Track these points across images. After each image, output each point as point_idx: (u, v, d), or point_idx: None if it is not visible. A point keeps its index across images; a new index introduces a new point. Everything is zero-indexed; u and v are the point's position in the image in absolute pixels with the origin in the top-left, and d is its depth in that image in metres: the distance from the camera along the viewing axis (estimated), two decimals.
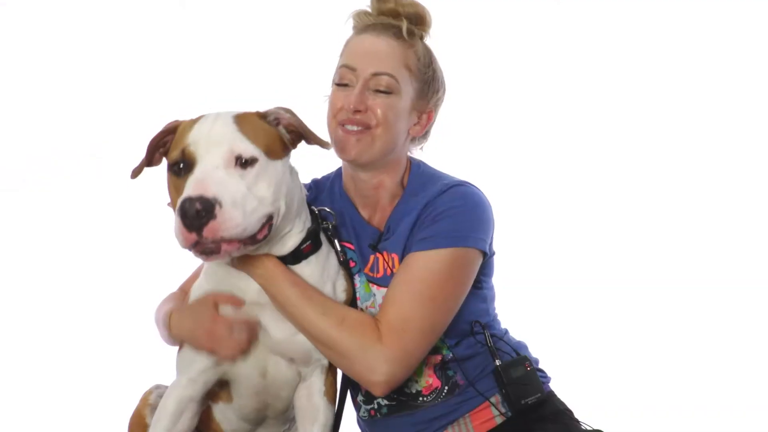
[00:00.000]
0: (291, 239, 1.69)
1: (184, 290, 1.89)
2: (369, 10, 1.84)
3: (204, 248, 1.48)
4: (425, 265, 1.69)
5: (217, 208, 1.46)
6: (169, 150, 1.60)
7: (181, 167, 1.54)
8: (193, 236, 1.46)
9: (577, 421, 1.85)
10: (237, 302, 1.69)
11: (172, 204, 1.57)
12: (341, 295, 1.77)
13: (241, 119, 1.59)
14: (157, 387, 1.93)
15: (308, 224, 1.72)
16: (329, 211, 1.81)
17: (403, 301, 1.67)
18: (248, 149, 1.55)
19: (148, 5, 3.63)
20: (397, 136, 1.80)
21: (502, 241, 1.89)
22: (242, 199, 1.50)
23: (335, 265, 1.78)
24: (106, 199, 3.54)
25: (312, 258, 1.72)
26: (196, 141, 1.55)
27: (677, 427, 2.99)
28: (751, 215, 3.70)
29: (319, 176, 2.02)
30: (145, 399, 1.91)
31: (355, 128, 1.76)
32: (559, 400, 1.89)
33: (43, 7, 3.59)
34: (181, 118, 1.65)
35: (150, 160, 1.64)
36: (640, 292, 3.59)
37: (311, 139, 1.65)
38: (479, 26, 3.69)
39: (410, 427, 1.83)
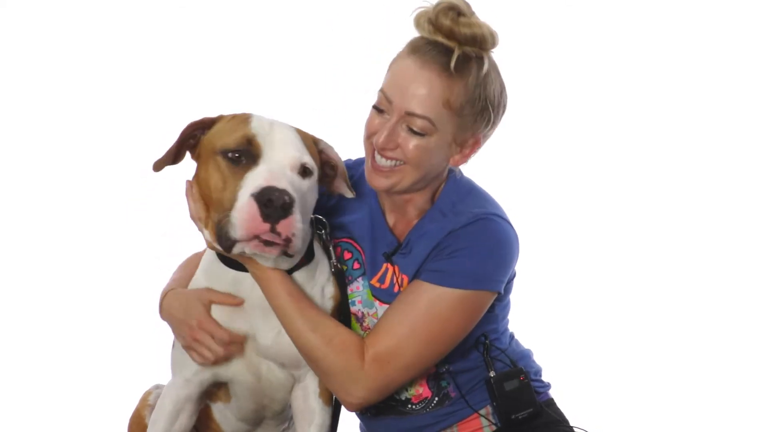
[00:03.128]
0: (295, 260, 1.68)
1: (187, 267, 1.86)
2: (431, 15, 1.65)
3: (266, 241, 1.47)
4: (431, 301, 1.64)
5: (294, 206, 1.48)
6: (215, 138, 1.57)
7: (240, 156, 1.53)
8: (267, 227, 1.46)
9: (571, 429, 1.82)
10: (234, 302, 1.68)
11: (211, 191, 1.54)
12: (328, 302, 1.75)
13: (299, 132, 1.63)
14: (157, 387, 1.94)
15: (308, 240, 1.71)
16: (323, 219, 1.79)
17: (397, 334, 1.63)
18: (310, 161, 1.58)
19: (148, 5, 3.63)
20: (429, 171, 1.71)
21: None
22: (302, 206, 1.52)
23: (326, 272, 1.76)
24: (107, 200, 3.54)
25: (303, 268, 1.71)
26: (262, 134, 1.55)
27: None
28: (753, 217, 3.68)
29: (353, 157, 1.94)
30: (144, 399, 1.92)
31: (385, 162, 1.67)
32: (556, 410, 1.86)
33: (43, 7, 3.58)
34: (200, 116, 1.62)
35: (177, 153, 1.61)
36: (647, 300, 3.57)
37: (345, 184, 1.70)
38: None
39: (398, 431, 1.83)
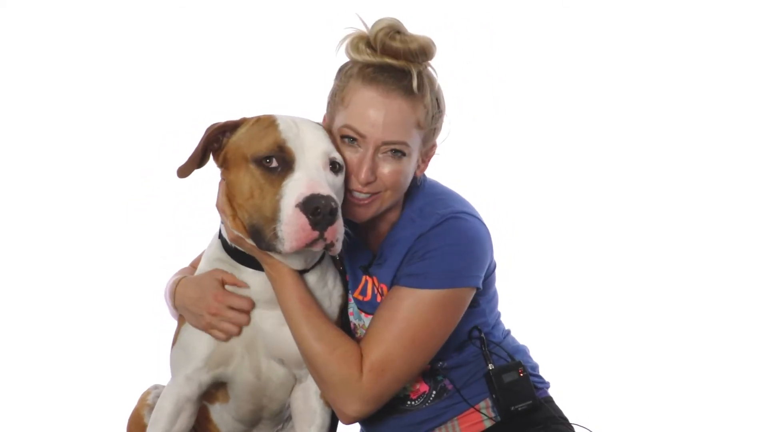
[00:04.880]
0: (315, 257, 1.69)
1: (194, 266, 1.89)
2: (368, 36, 1.66)
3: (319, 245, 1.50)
4: (412, 305, 1.65)
5: (339, 210, 1.51)
6: (243, 143, 1.57)
7: (274, 162, 1.53)
8: (316, 234, 1.48)
9: (571, 428, 1.83)
10: (241, 283, 1.69)
11: (245, 197, 1.55)
12: (337, 300, 1.78)
13: (322, 127, 1.65)
14: (156, 387, 1.95)
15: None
16: None
17: (385, 341, 1.65)
18: (340, 157, 1.61)
19: (148, 5, 3.63)
20: (404, 190, 1.73)
21: (507, 245, 1.84)
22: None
23: (334, 271, 1.78)
24: (106, 200, 3.54)
25: (316, 267, 1.72)
26: (291, 137, 1.55)
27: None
28: (754, 219, 3.68)
29: None
30: (143, 399, 1.92)
31: (363, 195, 1.67)
32: (555, 407, 1.86)
33: (43, 7, 3.58)
34: (219, 120, 1.61)
35: (202, 158, 1.61)
36: (646, 297, 3.56)
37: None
38: (484, 29, 3.69)
39: (399, 429, 1.84)
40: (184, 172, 1.61)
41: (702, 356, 3.33)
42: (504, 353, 1.82)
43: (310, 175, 1.52)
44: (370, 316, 1.75)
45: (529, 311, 2.77)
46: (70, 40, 3.58)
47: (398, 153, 1.65)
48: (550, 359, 2.06)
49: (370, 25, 1.67)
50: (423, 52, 1.65)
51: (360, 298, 1.79)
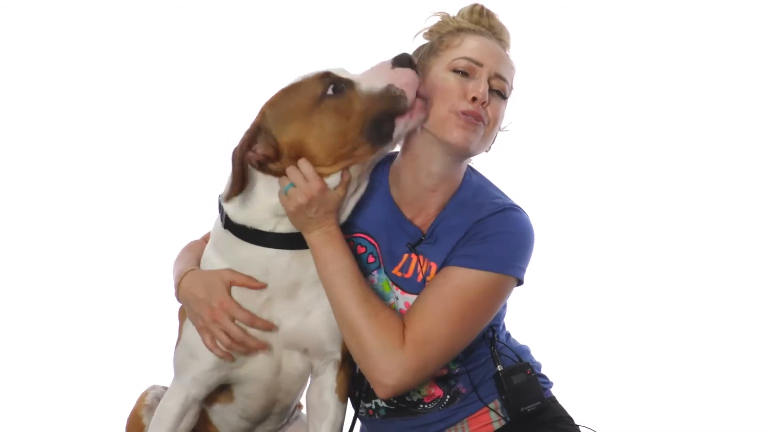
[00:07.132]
0: (353, 201, 1.66)
1: (205, 240, 1.81)
2: (461, 14, 1.78)
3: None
4: (463, 284, 1.65)
5: None
6: (290, 111, 1.54)
7: (336, 88, 1.52)
8: (418, 78, 1.57)
9: (577, 428, 1.83)
10: (257, 285, 1.63)
11: (344, 127, 1.52)
12: None
13: None
14: (154, 387, 1.93)
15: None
16: None
17: (433, 315, 1.63)
18: None
19: (148, 6, 3.63)
20: (494, 136, 1.76)
21: None
22: None
23: None
24: (106, 200, 3.55)
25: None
26: (333, 69, 1.55)
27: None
28: (754, 220, 3.68)
29: None
30: (141, 399, 1.90)
31: (471, 117, 1.67)
32: (560, 406, 1.87)
33: (43, 7, 3.59)
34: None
35: (245, 173, 1.54)
36: (645, 296, 3.58)
37: None
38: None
39: (408, 431, 1.82)
40: (234, 192, 1.56)
41: (703, 355, 3.34)
42: (511, 354, 1.82)
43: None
44: (407, 294, 1.74)
45: (527, 309, 2.77)
46: (70, 40, 3.59)
47: (500, 95, 1.71)
48: (549, 358, 2.06)
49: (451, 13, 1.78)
50: (509, 37, 1.79)
51: (399, 274, 1.76)
